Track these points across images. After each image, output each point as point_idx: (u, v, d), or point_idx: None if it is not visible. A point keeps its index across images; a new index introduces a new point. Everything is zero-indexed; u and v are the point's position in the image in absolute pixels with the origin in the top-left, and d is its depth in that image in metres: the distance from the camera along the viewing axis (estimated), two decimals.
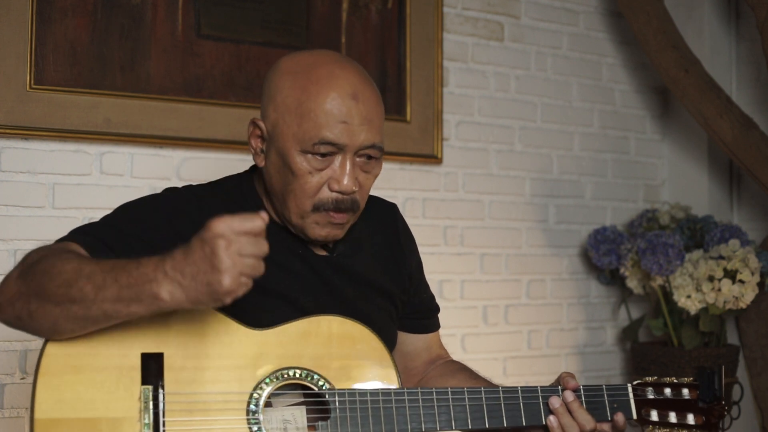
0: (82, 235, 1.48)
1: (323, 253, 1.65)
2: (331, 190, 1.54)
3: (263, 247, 1.29)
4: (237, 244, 1.26)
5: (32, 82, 2.23)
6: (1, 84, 2.19)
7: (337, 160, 1.53)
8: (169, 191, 1.61)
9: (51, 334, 1.37)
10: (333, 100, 1.51)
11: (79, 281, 1.31)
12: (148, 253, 1.46)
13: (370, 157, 1.56)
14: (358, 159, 1.55)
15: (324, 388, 1.48)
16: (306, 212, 1.55)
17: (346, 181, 1.52)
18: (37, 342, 2.23)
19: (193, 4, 2.44)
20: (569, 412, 1.57)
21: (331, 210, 1.54)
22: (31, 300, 1.35)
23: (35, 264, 1.37)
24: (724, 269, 2.75)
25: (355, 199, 1.56)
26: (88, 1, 2.31)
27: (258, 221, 1.27)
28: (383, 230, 1.78)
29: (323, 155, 1.52)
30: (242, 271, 1.27)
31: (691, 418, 1.59)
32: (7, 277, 1.40)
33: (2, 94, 2.19)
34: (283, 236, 1.62)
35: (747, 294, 2.73)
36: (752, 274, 2.73)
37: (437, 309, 1.87)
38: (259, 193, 1.65)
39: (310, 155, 1.52)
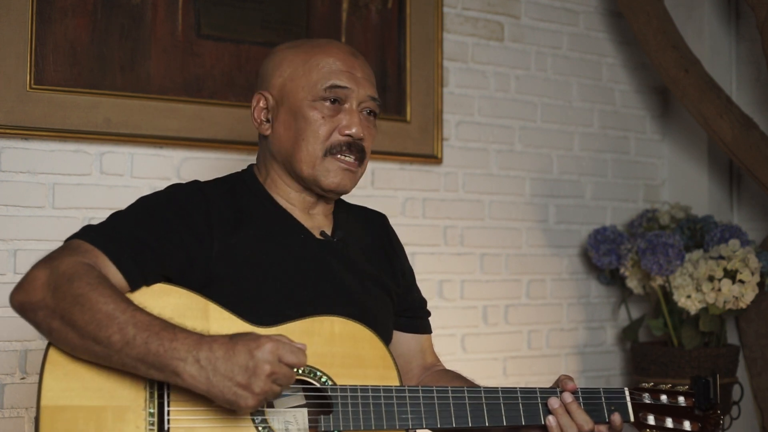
0: (109, 243, 1.46)
1: (323, 238, 1.70)
2: (341, 135, 1.65)
3: (293, 378, 1.38)
4: (278, 373, 1.35)
5: (32, 82, 2.23)
6: (1, 84, 2.19)
7: (345, 109, 1.65)
8: (174, 187, 1.64)
9: (63, 350, 1.40)
10: (337, 55, 1.67)
11: (110, 328, 1.35)
12: (163, 257, 1.49)
13: (370, 112, 1.69)
14: (360, 111, 1.67)
15: (327, 384, 1.50)
16: (318, 158, 1.64)
17: (354, 127, 1.64)
18: (37, 342, 2.23)
19: (193, 4, 2.44)
20: (568, 413, 1.58)
21: (343, 152, 1.64)
22: (56, 319, 1.37)
23: (68, 282, 1.37)
24: (724, 269, 2.75)
25: (362, 147, 1.67)
26: (88, 1, 2.31)
27: (303, 358, 1.37)
28: (375, 233, 1.84)
29: (333, 101, 1.64)
30: (267, 396, 1.36)
31: (687, 425, 1.61)
32: (33, 278, 1.40)
33: (2, 94, 2.19)
34: (286, 220, 1.68)
35: (747, 294, 2.73)
36: (752, 274, 2.73)
37: (429, 313, 1.91)
38: (261, 183, 1.71)
39: (320, 102, 1.64)
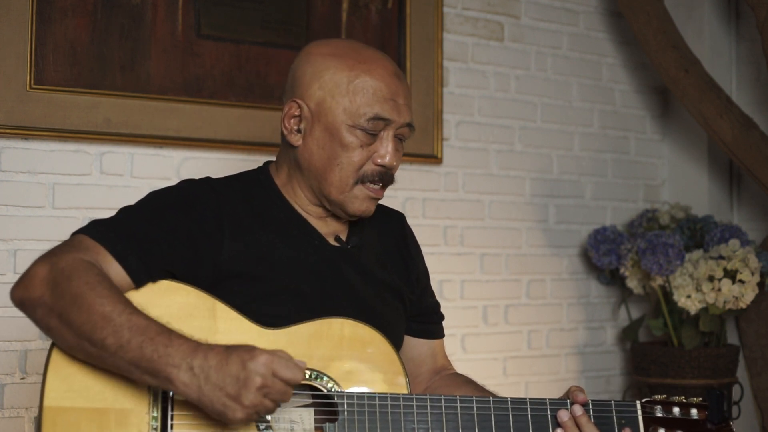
0: (114, 239, 1.45)
1: (338, 244, 1.68)
2: (375, 165, 1.61)
3: (289, 396, 1.34)
4: (270, 387, 1.31)
5: (32, 82, 2.23)
6: (1, 84, 2.19)
7: (381, 137, 1.61)
8: (186, 183, 1.62)
9: (61, 348, 1.39)
10: (383, 78, 1.60)
11: (105, 330, 1.33)
12: (171, 254, 1.47)
13: (402, 138, 1.65)
14: (394, 138, 1.63)
15: (333, 389, 1.48)
16: (348, 185, 1.60)
17: (388, 157, 1.60)
18: (37, 342, 2.23)
19: (193, 4, 2.44)
20: (577, 426, 1.55)
21: (374, 182, 1.61)
22: (53, 317, 1.36)
23: (67, 280, 1.36)
24: (724, 269, 2.74)
25: (392, 175, 1.64)
26: (88, 1, 2.30)
27: (300, 374, 1.33)
28: (392, 234, 1.80)
29: (371, 132, 1.59)
30: (259, 411, 1.32)
31: None
32: (33, 274, 1.39)
33: (2, 94, 2.19)
34: (300, 224, 1.65)
35: (747, 294, 2.73)
36: (752, 274, 2.73)
37: (442, 317, 1.87)
38: (277, 185, 1.68)
39: (359, 130, 1.58)
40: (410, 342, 1.80)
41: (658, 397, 1.65)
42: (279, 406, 1.36)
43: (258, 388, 1.30)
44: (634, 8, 2.99)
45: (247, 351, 1.32)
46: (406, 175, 2.80)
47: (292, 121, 1.63)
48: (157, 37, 2.39)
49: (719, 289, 2.73)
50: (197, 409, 1.39)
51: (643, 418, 1.60)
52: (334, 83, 1.59)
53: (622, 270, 2.99)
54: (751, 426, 3.06)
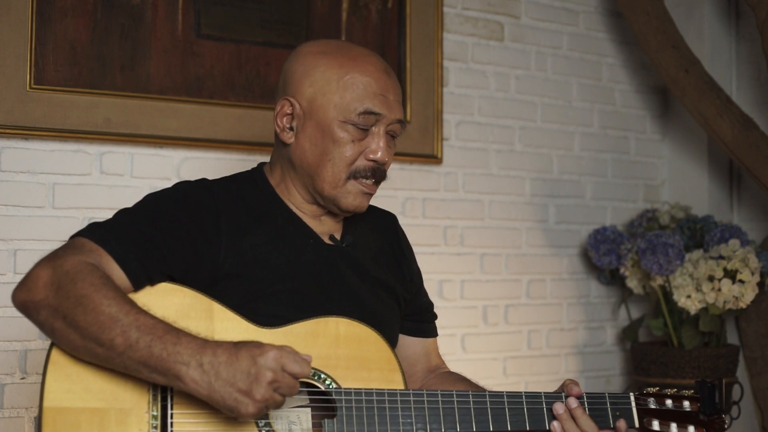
0: (114, 242, 1.45)
1: (332, 243, 1.69)
2: (367, 160, 1.63)
3: (296, 390, 1.36)
4: (280, 381, 1.33)
5: (32, 82, 2.23)
6: (1, 84, 2.19)
7: (373, 132, 1.63)
8: (182, 185, 1.63)
9: (65, 349, 1.39)
10: (372, 74, 1.63)
11: (113, 330, 1.34)
12: (169, 256, 1.48)
13: (394, 135, 1.68)
14: (386, 134, 1.65)
15: (331, 387, 1.49)
16: (341, 180, 1.63)
17: (380, 153, 1.63)
18: (37, 342, 2.23)
19: (193, 4, 2.44)
20: (573, 418, 1.57)
21: (366, 177, 1.63)
22: (58, 319, 1.36)
23: (72, 282, 1.36)
24: (724, 269, 2.75)
25: (385, 171, 1.66)
26: (88, 1, 2.31)
27: (307, 369, 1.35)
28: (385, 235, 1.82)
29: (362, 126, 1.60)
30: (269, 405, 1.34)
31: (692, 430, 1.61)
32: (36, 276, 1.39)
33: (2, 94, 2.19)
34: (296, 224, 1.67)
35: (747, 294, 2.73)
36: (752, 274, 2.73)
37: (435, 316, 1.90)
38: (272, 185, 1.69)
39: (350, 125, 1.61)
40: (404, 341, 1.82)
41: (650, 389, 1.67)
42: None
43: (269, 383, 1.32)
44: (634, 8, 2.99)
45: (257, 346, 1.34)
46: (406, 175, 2.80)
47: (284, 119, 1.65)
48: (157, 37, 2.39)
49: (719, 289, 2.74)
50: (197, 407, 1.40)
51: (637, 409, 1.63)
52: (324, 80, 1.62)
53: (622, 270, 2.99)
54: (751, 426, 3.06)
